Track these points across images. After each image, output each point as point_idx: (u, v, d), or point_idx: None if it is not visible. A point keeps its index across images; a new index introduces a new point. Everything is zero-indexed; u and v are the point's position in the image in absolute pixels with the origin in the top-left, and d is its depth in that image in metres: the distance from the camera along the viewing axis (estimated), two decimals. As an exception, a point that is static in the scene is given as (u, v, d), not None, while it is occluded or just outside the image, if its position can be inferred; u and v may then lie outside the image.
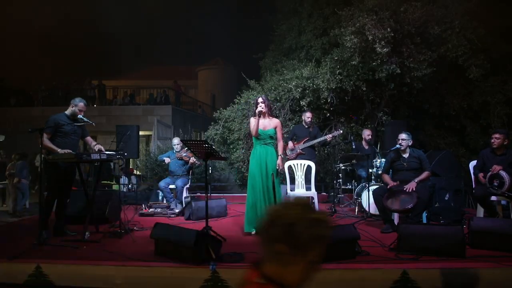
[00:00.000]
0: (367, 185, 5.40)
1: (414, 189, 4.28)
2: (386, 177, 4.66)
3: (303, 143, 5.90)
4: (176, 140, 6.54)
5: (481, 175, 4.49)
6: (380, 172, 5.62)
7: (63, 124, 4.16)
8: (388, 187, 4.43)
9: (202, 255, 3.14)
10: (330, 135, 6.02)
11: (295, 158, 5.72)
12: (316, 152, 8.13)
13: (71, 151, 4.06)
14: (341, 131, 6.39)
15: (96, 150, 4.26)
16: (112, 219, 4.92)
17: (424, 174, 4.47)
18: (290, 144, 5.96)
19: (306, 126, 6.14)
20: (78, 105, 4.33)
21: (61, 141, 4.16)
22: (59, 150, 4.01)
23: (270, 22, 11.52)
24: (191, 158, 6.26)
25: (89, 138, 4.66)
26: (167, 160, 6.36)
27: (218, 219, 5.45)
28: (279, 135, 4.49)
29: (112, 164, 9.90)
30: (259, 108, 4.32)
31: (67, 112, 4.34)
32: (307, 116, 6.16)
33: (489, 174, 4.40)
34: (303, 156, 5.75)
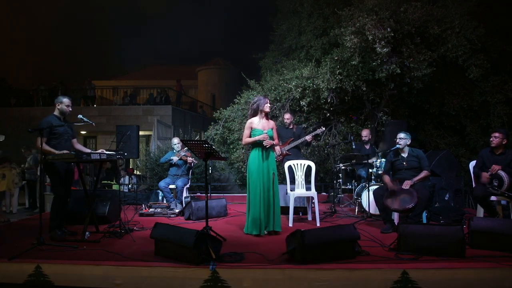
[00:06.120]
0: (367, 185, 5.40)
1: (409, 187, 4.34)
2: (386, 178, 4.66)
3: (288, 144, 5.86)
4: (175, 140, 6.54)
5: (484, 174, 4.48)
6: (380, 172, 5.63)
7: (57, 125, 4.12)
8: (389, 189, 4.42)
9: (202, 255, 3.14)
10: (310, 136, 5.82)
11: (281, 160, 5.70)
12: (316, 152, 8.16)
13: (68, 151, 4.06)
14: (323, 129, 6.22)
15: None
16: (112, 219, 4.92)
17: (423, 173, 4.48)
18: (277, 147, 5.91)
19: (289, 127, 6.05)
20: (63, 101, 4.25)
21: (56, 143, 4.14)
22: (56, 151, 4.01)
23: (270, 22, 11.54)
24: (189, 157, 6.26)
25: (75, 141, 4.50)
26: (175, 158, 6.32)
27: (218, 219, 5.45)
28: (275, 135, 4.57)
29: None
30: (267, 109, 4.42)
31: (55, 113, 4.27)
32: (286, 118, 6.08)
33: (488, 174, 4.40)
34: (290, 156, 5.71)
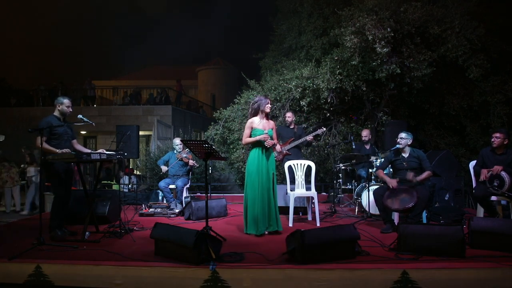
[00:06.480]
0: (367, 185, 5.40)
1: (411, 178, 4.42)
2: (381, 173, 4.68)
3: (289, 144, 5.85)
4: (177, 141, 6.53)
5: (484, 171, 4.48)
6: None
7: (56, 126, 4.12)
8: (391, 186, 4.42)
9: (202, 255, 3.14)
10: (311, 136, 5.79)
11: (281, 160, 5.69)
12: (316, 152, 8.15)
13: (70, 151, 4.06)
14: (324, 129, 6.21)
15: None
16: (112, 219, 4.92)
17: (425, 174, 4.47)
18: (278, 146, 5.91)
19: (290, 127, 6.04)
20: (64, 102, 4.25)
21: (56, 143, 4.13)
22: (58, 150, 4.01)
23: (270, 22, 11.54)
24: (190, 160, 6.26)
25: (75, 141, 4.48)
26: (164, 168, 6.33)
27: (218, 219, 5.46)
28: (275, 135, 4.58)
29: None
30: (267, 110, 4.43)
31: (55, 113, 4.27)
32: (288, 116, 6.07)
33: (489, 174, 4.40)
34: (290, 156, 5.71)
